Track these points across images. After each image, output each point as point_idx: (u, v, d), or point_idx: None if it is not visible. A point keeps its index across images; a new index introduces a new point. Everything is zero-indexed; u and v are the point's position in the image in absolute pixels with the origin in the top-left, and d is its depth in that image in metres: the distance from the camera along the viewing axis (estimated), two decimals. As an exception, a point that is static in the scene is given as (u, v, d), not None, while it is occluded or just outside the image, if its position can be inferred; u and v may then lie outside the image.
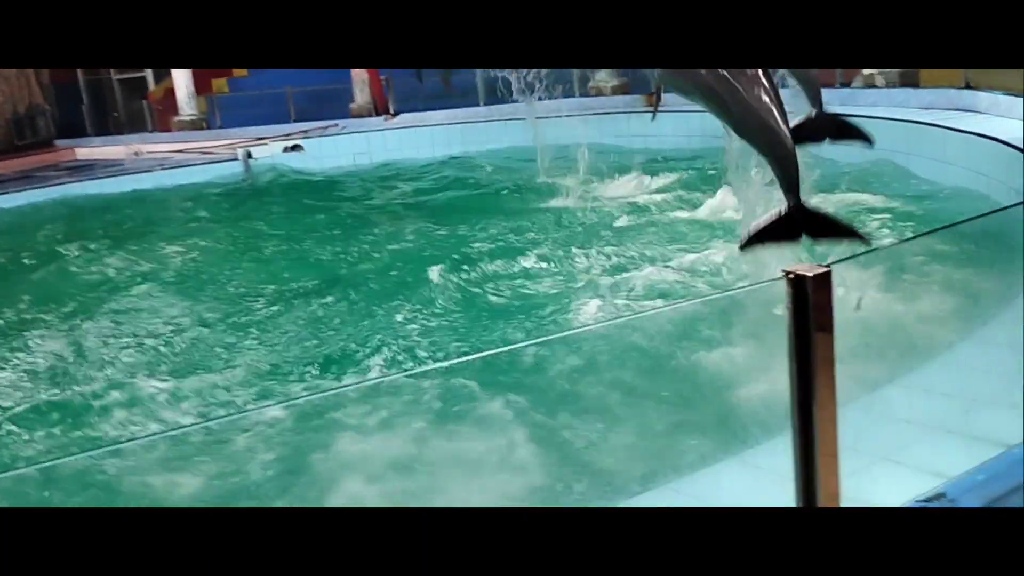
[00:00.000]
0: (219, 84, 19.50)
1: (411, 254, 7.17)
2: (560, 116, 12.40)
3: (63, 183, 12.85)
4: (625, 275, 5.63)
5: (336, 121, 14.50)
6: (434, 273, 6.03)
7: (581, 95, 13.38)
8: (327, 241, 8.09)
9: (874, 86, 9.96)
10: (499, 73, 14.37)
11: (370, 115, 14.84)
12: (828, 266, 1.53)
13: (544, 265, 6.20)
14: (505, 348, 4.74)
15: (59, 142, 17.11)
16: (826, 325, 1.53)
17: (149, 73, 19.04)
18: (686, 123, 11.05)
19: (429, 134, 12.97)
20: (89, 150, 16.46)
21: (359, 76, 15.00)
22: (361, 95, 15.13)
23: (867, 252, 3.76)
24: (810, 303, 1.51)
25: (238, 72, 20.25)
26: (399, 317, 5.43)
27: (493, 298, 5.73)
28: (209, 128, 16.39)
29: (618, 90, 13.19)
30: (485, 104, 13.96)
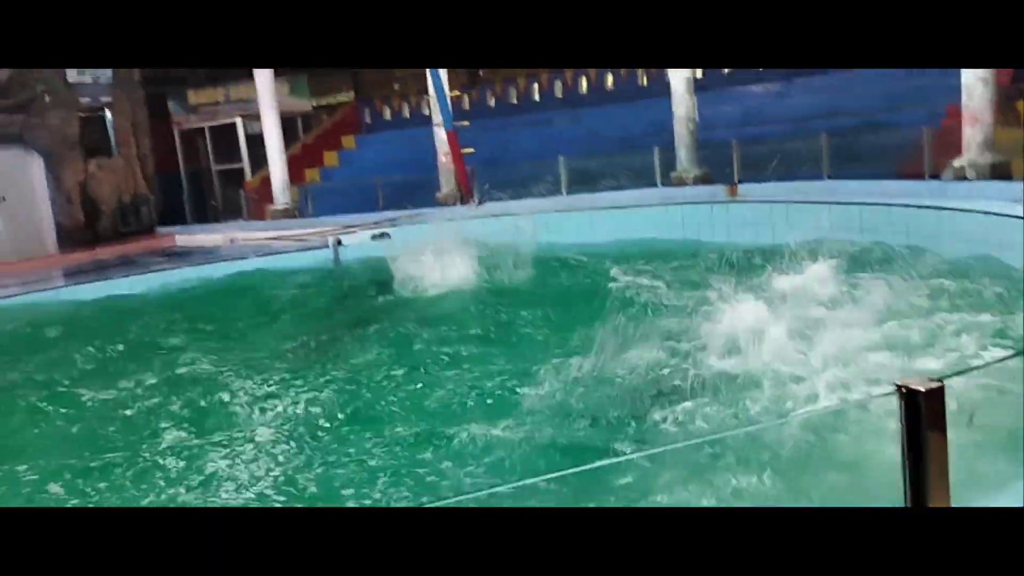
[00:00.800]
0: (312, 174, 20.35)
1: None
2: (642, 206, 12.59)
3: (162, 269, 13.44)
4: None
5: (422, 210, 14.91)
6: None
7: (663, 185, 13.53)
8: (409, 322, 8.30)
9: (964, 178, 9.82)
10: (582, 164, 14.69)
11: (456, 203, 15.22)
12: (941, 380, 1.54)
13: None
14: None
15: (160, 229, 17.98)
16: (939, 440, 1.53)
17: (246, 164, 19.98)
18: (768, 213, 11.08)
19: (513, 223, 13.20)
20: (188, 237, 17.25)
21: (445, 166, 15.46)
22: (447, 184, 15.56)
23: (983, 367, 3.63)
24: (923, 417, 1.51)
25: (330, 162, 21.12)
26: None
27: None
28: (301, 216, 17.03)
29: (700, 180, 13.28)
30: (568, 193, 14.21)
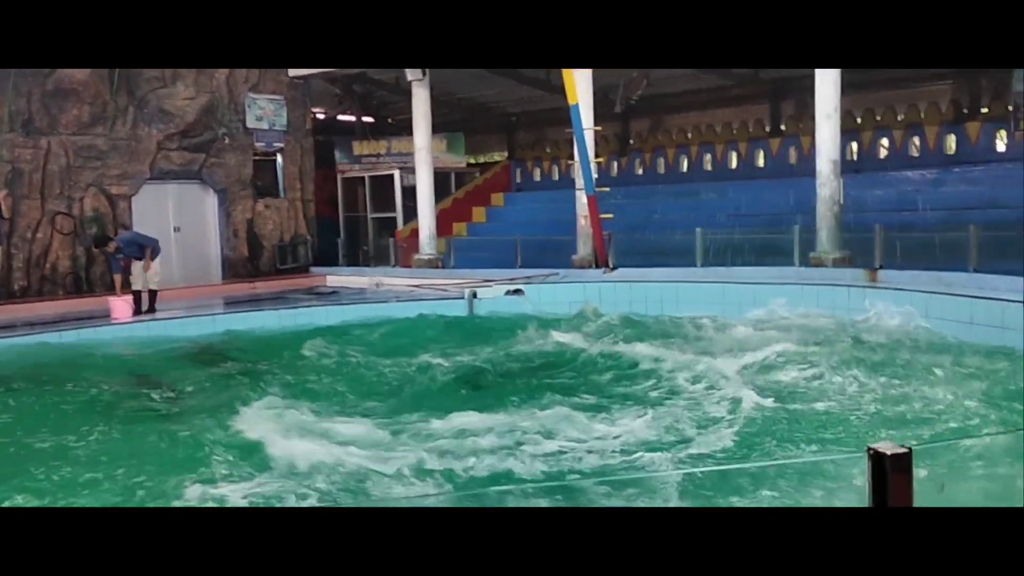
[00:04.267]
0: (459, 228, 21.13)
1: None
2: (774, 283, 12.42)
3: (310, 306, 14.29)
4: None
5: (557, 270, 15.24)
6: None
7: (801, 264, 13.31)
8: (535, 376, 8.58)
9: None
10: (721, 237, 14.65)
11: (590, 267, 15.47)
12: (909, 448, 1.63)
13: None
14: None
15: (314, 269, 19.10)
16: (904, 503, 1.61)
17: (399, 214, 20.99)
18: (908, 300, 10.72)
19: (643, 289, 13.32)
20: (338, 278, 18.25)
21: (584, 230, 15.77)
22: (584, 247, 15.84)
23: (952, 440, 3.61)
24: (888, 480, 1.60)
25: (478, 218, 21.87)
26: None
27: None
28: (444, 267, 17.71)
29: (840, 262, 13.00)
30: (703, 265, 14.20)
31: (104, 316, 12.57)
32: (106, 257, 14.12)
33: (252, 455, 6.10)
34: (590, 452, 6.02)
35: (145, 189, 16.96)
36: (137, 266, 12.90)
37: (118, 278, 12.99)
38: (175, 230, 17.58)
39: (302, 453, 5.93)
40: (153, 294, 12.93)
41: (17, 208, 15.18)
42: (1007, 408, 6.25)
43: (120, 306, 12.54)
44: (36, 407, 8.08)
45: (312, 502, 5.18)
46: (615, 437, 6.37)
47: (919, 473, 1.63)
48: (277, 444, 6.22)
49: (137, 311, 12.67)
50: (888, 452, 1.61)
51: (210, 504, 4.61)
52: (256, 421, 6.94)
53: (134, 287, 12.92)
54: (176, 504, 4.78)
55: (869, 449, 1.63)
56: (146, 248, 12.91)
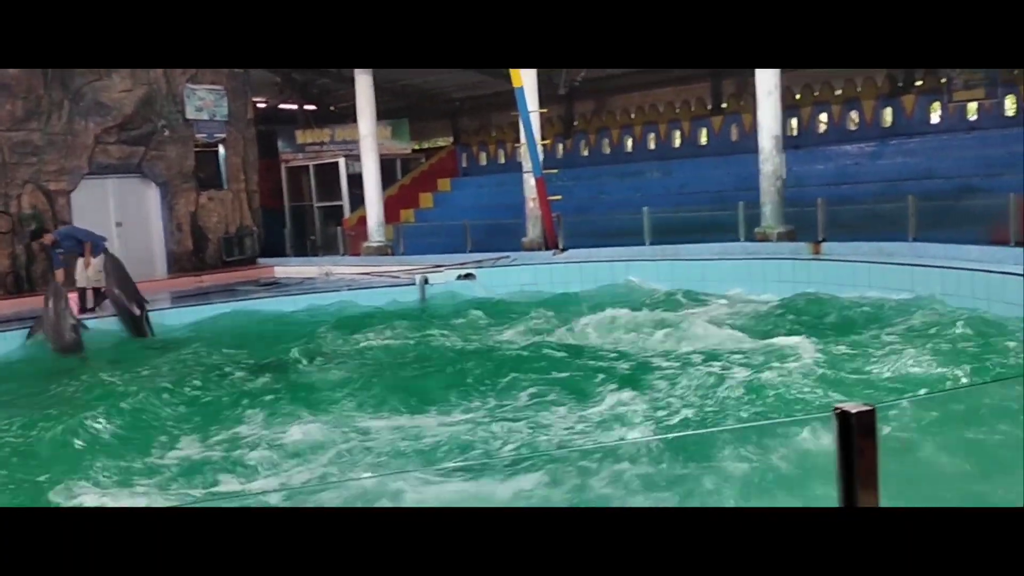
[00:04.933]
0: (407, 214, 21.08)
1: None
2: (724, 259, 12.66)
3: (259, 297, 14.15)
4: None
5: (508, 253, 15.30)
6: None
7: (746, 240, 13.57)
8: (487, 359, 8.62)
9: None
10: (667, 216, 14.86)
11: (540, 249, 15.57)
12: (872, 406, 1.72)
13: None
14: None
15: (262, 260, 18.88)
16: (869, 459, 1.71)
17: (346, 202, 20.85)
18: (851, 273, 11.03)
19: (593, 269, 13.46)
20: (286, 269, 18.08)
21: (533, 212, 15.84)
22: (533, 230, 15.93)
23: (914, 396, 3.80)
24: (854, 438, 1.69)
25: (425, 204, 21.83)
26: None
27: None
28: (393, 254, 17.66)
29: (784, 236, 13.28)
30: (651, 244, 14.38)
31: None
32: (47, 253, 13.79)
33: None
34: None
35: (84, 184, 16.57)
36: (79, 263, 12.62)
37: (59, 273, 12.67)
38: (117, 225, 17.22)
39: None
40: (97, 292, 12.66)
41: (-50, 208, 14.74)
42: (961, 366, 6.51)
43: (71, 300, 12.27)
44: None
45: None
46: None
47: (884, 431, 1.73)
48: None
49: (82, 309, 12.41)
50: (853, 411, 1.70)
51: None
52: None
53: (78, 284, 12.64)
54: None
55: (836, 408, 1.72)
56: (85, 244, 12.62)
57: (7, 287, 15.33)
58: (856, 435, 1.69)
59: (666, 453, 4.91)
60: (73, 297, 12.39)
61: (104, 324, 12.00)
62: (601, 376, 7.33)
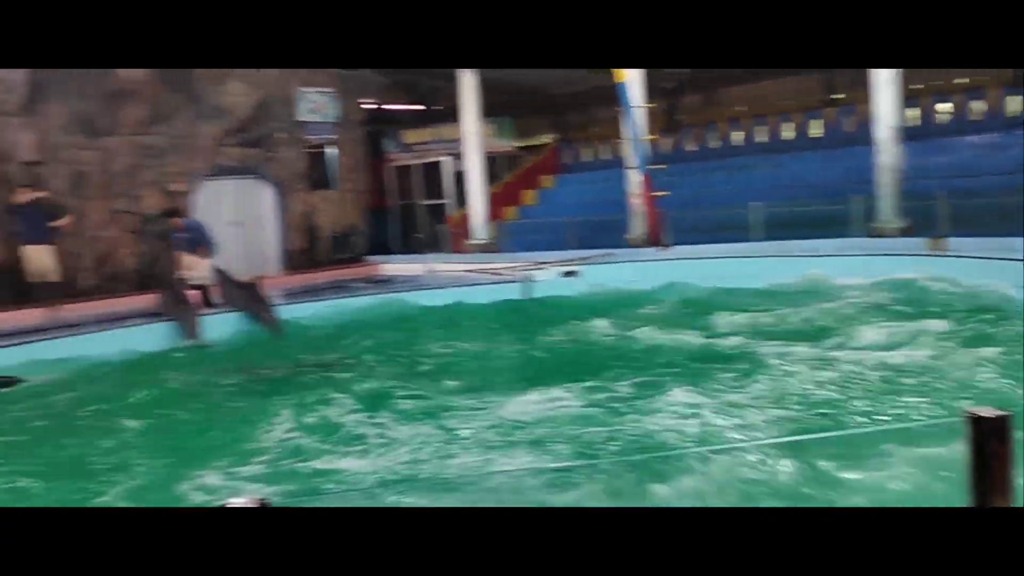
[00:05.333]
0: (511, 212, 21.18)
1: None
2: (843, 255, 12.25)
3: (368, 293, 14.48)
4: None
5: (612, 250, 15.21)
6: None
7: (863, 235, 13.11)
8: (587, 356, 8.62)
9: None
10: (778, 211, 14.48)
11: (645, 245, 15.41)
12: (1009, 412, 1.63)
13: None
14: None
15: (368, 258, 19.33)
16: (1003, 465, 1.62)
17: (451, 201, 21.11)
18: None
19: (700, 266, 13.23)
20: (392, 266, 18.46)
21: (637, 209, 15.70)
22: (637, 226, 15.79)
23: None
24: (987, 444, 1.61)
25: (529, 201, 21.89)
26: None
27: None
28: (497, 252, 17.79)
29: (902, 231, 12.77)
30: (760, 240, 14.05)
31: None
32: (167, 244, 14.52)
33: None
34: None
35: (205, 186, 17.31)
36: (190, 260, 13.14)
37: (178, 256, 13.20)
38: (235, 225, 17.92)
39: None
40: (206, 290, 13.19)
41: (83, 209, 15.60)
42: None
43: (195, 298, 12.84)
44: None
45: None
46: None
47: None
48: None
49: (205, 304, 12.95)
50: (987, 416, 1.62)
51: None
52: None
53: (185, 276, 13.18)
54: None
55: (967, 413, 1.64)
56: (203, 243, 13.15)
57: (132, 284, 16.13)
58: (990, 442, 1.61)
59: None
60: (196, 294, 12.95)
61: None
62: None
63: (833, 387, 6.61)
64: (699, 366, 7.77)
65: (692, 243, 14.58)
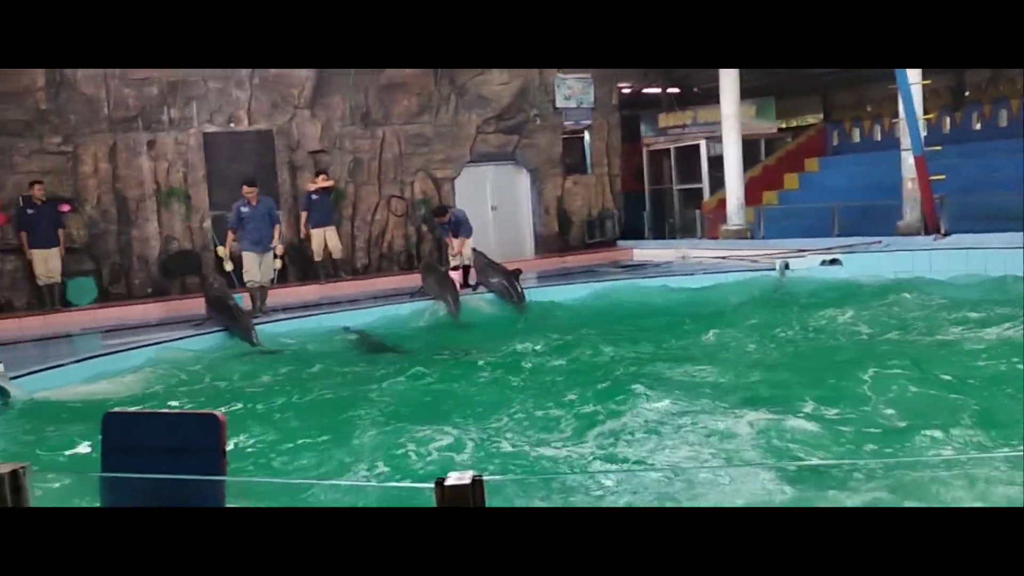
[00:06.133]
0: (770, 196, 20.33)
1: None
2: None
3: (618, 278, 14.54)
4: None
5: (880, 238, 14.18)
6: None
7: None
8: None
9: None
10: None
11: (918, 234, 14.22)
12: None
13: None
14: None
15: (621, 243, 19.37)
16: None
17: (706, 184, 20.63)
18: None
19: (982, 257, 12.00)
20: (644, 251, 18.38)
21: (911, 194, 14.51)
22: (911, 213, 14.59)
23: None
24: None
25: (790, 185, 20.90)
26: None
27: None
28: (752, 238, 17.17)
29: None
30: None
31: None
32: (432, 230, 15.45)
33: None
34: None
35: (465, 172, 18.15)
36: (455, 242, 13.90)
37: (448, 241, 14.13)
38: (492, 209, 18.65)
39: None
40: (467, 271, 13.86)
41: (358, 194, 16.92)
42: None
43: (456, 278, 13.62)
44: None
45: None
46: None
47: None
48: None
49: (464, 284, 13.66)
50: None
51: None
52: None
53: (452, 261, 13.94)
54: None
55: None
56: (463, 228, 13.90)
57: (400, 264, 17.29)
58: None
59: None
60: (456, 274, 13.69)
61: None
62: None
63: None
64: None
65: (974, 232, 13.24)
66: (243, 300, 12.17)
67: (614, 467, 5.50)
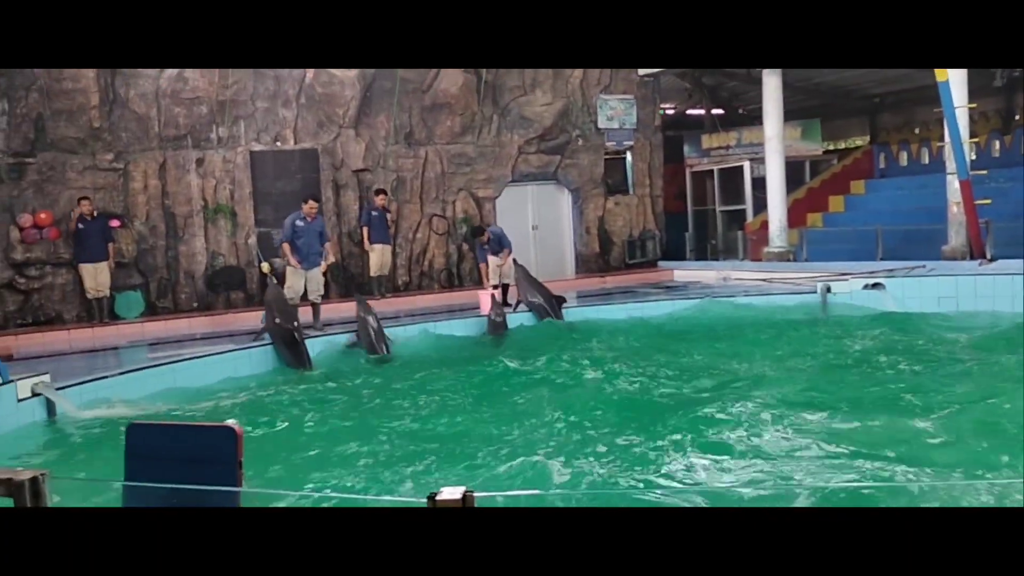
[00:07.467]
0: (814, 219, 20.14)
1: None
2: None
3: (659, 299, 14.49)
4: None
5: (924, 262, 13.96)
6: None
7: None
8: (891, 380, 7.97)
9: None
10: None
11: (963, 258, 13.97)
12: None
13: None
14: None
15: (662, 263, 19.31)
16: None
17: (749, 206, 20.50)
18: None
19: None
20: (685, 272, 18.29)
21: (956, 218, 14.28)
22: (956, 237, 14.35)
23: None
24: None
25: (835, 208, 20.68)
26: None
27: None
28: (795, 260, 17.00)
29: None
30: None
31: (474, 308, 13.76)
32: (472, 249, 15.52)
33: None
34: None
35: (507, 191, 18.27)
36: (495, 260, 13.94)
37: (483, 267, 14.14)
38: (533, 228, 18.73)
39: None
40: (506, 289, 13.91)
41: (400, 212, 17.12)
42: None
43: (487, 299, 13.65)
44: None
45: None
46: None
47: None
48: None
49: (504, 303, 13.70)
50: None
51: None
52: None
53: (491, 280, 14.00)
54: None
55: None
56: (505, 247, 13.94)
57: (440, 282, 17.43)
58: None
59: None
60: (497, 293, 13.75)
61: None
62: None
63: None
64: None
65: (1021, 257, 12.96)
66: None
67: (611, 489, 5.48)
